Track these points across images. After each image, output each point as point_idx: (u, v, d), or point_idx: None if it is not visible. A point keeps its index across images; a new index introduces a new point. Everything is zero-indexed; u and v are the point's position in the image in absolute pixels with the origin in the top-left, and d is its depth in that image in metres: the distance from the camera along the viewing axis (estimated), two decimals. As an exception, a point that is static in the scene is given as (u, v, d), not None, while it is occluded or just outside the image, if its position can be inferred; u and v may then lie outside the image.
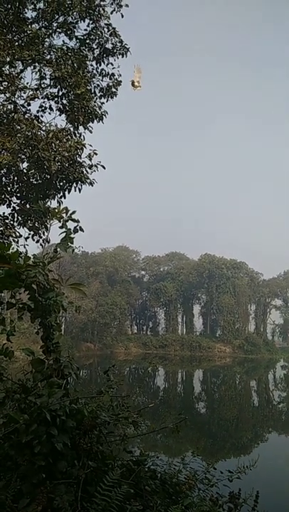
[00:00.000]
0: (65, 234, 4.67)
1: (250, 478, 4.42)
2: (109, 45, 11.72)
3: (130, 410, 4.52)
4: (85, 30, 11.54)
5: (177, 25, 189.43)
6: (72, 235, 4.65)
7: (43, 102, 11.42)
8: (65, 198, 11.02)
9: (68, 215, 4.71)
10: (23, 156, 10.39)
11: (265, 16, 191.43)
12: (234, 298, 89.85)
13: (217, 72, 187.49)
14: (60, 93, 11.10)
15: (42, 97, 11.37)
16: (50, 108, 11.41)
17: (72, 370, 4.29)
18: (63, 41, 11.46)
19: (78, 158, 10.83)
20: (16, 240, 11.22)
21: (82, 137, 11.33)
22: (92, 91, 11.62)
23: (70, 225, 4.79)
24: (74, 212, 4.75)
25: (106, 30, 11.59)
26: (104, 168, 11.00)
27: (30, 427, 3.47)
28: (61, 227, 4.68)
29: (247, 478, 4.43)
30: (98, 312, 77.09)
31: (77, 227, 4.75)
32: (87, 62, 11.67)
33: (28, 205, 11.21)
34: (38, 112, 11.36)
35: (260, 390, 51.85)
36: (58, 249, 4.56)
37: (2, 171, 10.70)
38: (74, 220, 4.72)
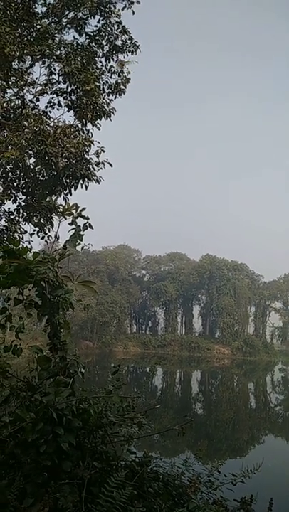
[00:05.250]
0: (74, 231, 4.62)
1: (248, 480, 4.37)
2: (118, 42, 11.64)
3: (135, 411, 4.48)
4: (95, 26, 11.48)
5: (179, 10, 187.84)
6: (81, 232, 4.59)
7: (52, 98, 11.35)
8: (71, 194, 10.97)
9: (78, 211, 4.67)
10: (30, 152, 10.31)
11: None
12: (234, 299, 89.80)
13: (218, 60, 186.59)
14: (69, 89, 11.01)
15: (51, 93, 11.30)
16: (59, 104, 11.33)
17: (78, 368, 4.25)
18: (74, 37, 11.40)
19: (86, 155, 10.77)
20: (21, 235, 11.17)
21: (89, 134, 11.27)
22: (101, 88, 11.54)
23: (79, 221, 4.74)
24: (84, 209, 4.70)
25: (116, 27, 11.52)
26: (111, 165, 10.94)
27: (36, 425, 3.41)
28: (71, 224, 4.62)
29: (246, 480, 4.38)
30: (98, 310, 77.00)
31: (87, 225, 4.69)
32: (96, 58, 11.60)
33: (33, 201, 11.15)
34: (46, 107, 11.29)
35: (258, 392, 51.82)
36: (68, 246, 4.51)
37: (9, 167, 10.63)
38: (84, 217, 4.66)
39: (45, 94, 11.25)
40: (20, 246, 4.02)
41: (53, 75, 11.23)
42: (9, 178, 11.12)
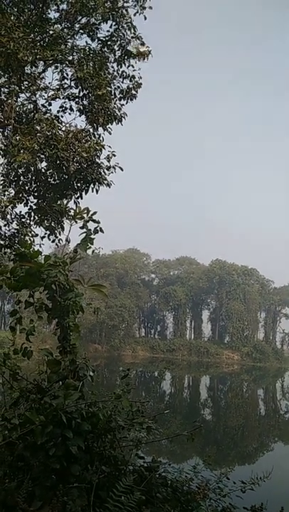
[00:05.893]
0: (85, 234, 4.63)
1: (258, 488, 4.31)
2: (130, 48, 11.71)
3: (144, 416, 4.46)
4: (108, 31, 11.55)
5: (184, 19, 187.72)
6: (92, 236, 4.61)
7: (64, 103, 11.44)
8: (82, 198, 11.03)
9: (89, 215, 4.68)
10: (42, 156, 10.39)
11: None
12: (244, 305, 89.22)
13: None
14: (81, 94, 11.10)
15: (63, 98, 11.39)
16: (71, 108, 11.41)
17: (88, 372, 4.25)
18: (86, 42, 11.50)
19: (97, 160, 10.82)
20: (32, 239, 11.25)
21: (101, 138, 11.34)
22: (112, 93, 11.61)
23: (90, 225, 4.76)
24: (95, 212, 4.71)
25: (128, 32, 11.58)
26: (122, 170, 10.98)
27: (45, 428, 3.42)
28: (82, 228, 4.64)
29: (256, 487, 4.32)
30: (107, 314, 77.03)
31: (98, 228, 4.71)
32: (108, 63, 11.68)
33: (45, 205, 11.24)
34: (58, 112, 11.38)
35: (268, 398, 51.38)
36: (78, 250, 4.52)
37: (21, 170, 10.74)
38: (95, 221, 4.68)
39: (57, 99, 11.34)
40: (32, 249, 4.05)
41: (65, 80, 11.31)
42: (21, 182, 11.22)
